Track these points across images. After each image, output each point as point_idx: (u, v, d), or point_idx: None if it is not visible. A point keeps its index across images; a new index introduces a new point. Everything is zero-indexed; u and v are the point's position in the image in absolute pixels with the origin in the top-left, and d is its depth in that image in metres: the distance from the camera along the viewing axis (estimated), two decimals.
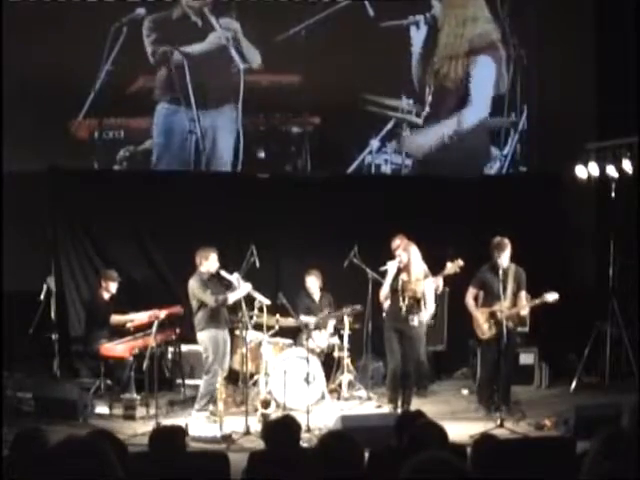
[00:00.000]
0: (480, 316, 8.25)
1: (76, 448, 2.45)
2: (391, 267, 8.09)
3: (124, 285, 9.53)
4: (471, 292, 8.37)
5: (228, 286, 8.25)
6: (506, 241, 8.14)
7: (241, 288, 8.13)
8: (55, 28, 9.24)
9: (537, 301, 8.15)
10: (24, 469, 3.37)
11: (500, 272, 8.04)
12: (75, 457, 2.39)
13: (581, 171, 9.55)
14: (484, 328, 8.24)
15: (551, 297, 8.04)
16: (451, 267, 8.25)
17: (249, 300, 8.25)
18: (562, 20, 9.92)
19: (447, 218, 9.72)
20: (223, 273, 8.16)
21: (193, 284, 8.12)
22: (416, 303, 8.10)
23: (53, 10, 9.17)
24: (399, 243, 8.24)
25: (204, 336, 8.14)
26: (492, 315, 8.16)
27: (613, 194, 9.50)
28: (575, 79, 9.98)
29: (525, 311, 8.29)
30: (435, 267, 8.82)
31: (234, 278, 8.17)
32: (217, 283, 8.24)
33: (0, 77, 8.93)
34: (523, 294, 8.24)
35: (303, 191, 9.77)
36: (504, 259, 8.09)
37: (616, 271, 9.54)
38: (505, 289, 8.11)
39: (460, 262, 8.22)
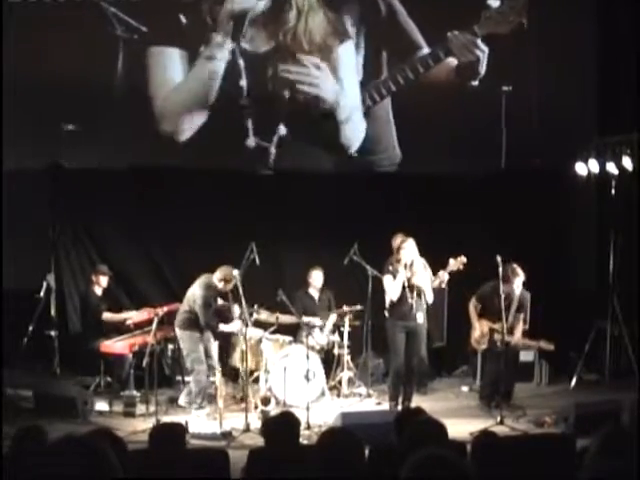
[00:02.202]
0: (478, 328, 8.35)
1: (74, 446, 2.45)
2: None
3: (124, 283, 9.56)
4: (473, 304, 8.50)
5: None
6: (519, 270, 8.19)
7: (233, 324, 8.32)
8: (70, 28, 9.19)
9: (532, 343, 8.47)
10: (24, 466, 3.37)
11: (505, 296, 8.04)
12: (73, 455, 2.39)
13: (581, 168, 9.55)
14: (479, 340, 8.42)
15: (546, 346, 8.36)
16: (454, 264, 8.25)
17: (248, 297, 8.24)
18: (563, 17, 9.90)
19: (446, 216, 9.73)
20: (231, 301, 8.27)
21: (198, 297, 8.16)
22: (422, 300, 8.14)
23: (67, 10, 9.13)
24: (400, 242, 8.23)
25: (182, 334, 8.24)
26: (490, 331, 8.23)
27: (613, 191, 9.50)
28: (575, 76, 9.96)
29: (518, 342, 8.41)
30: (436, 264, 8.85)
31: (236, 310, 8.28)
32: (215, 301, 8.33)
33: (0, 77, 8.91)
34: (521, 317, 8.30)
35: (304, 188, 9.76)
36: (515, 286, 8.19)
37: (616, 269, 9.54)
38: (508, 312, 8.14)
39: (463, 259, 8.21)
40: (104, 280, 9.09)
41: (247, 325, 8.07)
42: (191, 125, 9.41)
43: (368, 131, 9.75)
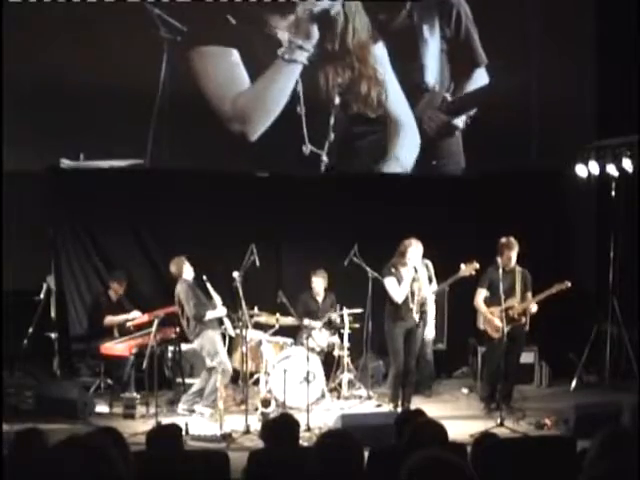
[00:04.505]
0: (493, 315, 8.22)
1: (78, 447, 2.44)
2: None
3: (126, 284, 9.58)
4: (480, 293, 8.34)
5: (209, 297, 8.39)
6: (513, 241, 8.16)
7: (218, 309, 8.33)
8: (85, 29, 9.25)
9: (551, 290, 8.13)
10: (24, 469, 3.37)
11: (507, 271, 8.06)
12: (77, 457, 2.38)
13: (581, 170, 9.56)
14: (498, 326, 8.14)
15: (561, 287, 8.05)
16: (465, 269, 8.23)
17: (248, 299, 8.23)
18: (563, 19, 9.92)
19: (446, 217, 9.72)
20: (210, 288, 8.31)
21: (180, 291, 8.25)
22: (420, 303, 8.14)
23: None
24: (404, 246, 8.19)
25: (202, 340, 8.21)
26: (506, 312, 8.13)
27: (613, 193, 9.52)
28: (575, 78, 9.97)
29: (535, 307, 8.26)
30: (437, 265, 8.87)
31: (217, 298, 8.35)
32: (200, 291, 8.35)
33: (0, 77, 8.92)
34: (529, 295, 8.26)
35: (304, 190, 9.77)
36: (512, 258, 8.12)
37: (616, 270, 9.54)
38: (514, 288, 8.12)
39: (476, 265, 8.17)
40: (118, 287, 9.24)
41: (247, 327, 8.06)
42: (263, 125, 9.56)
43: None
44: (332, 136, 9.66)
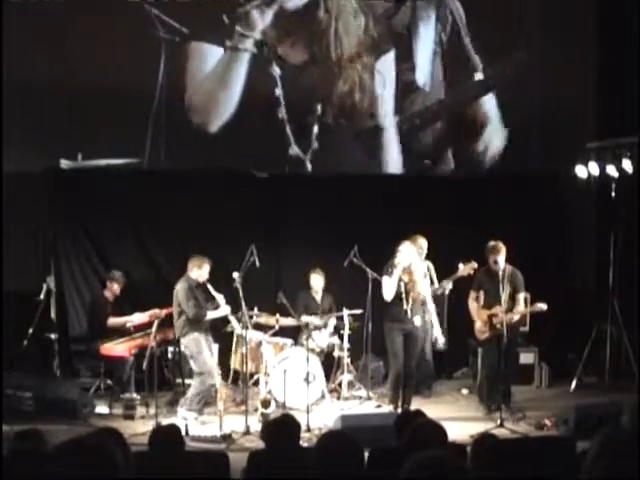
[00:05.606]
0: (478, 319, 8.30)
1: (78, 448, 2.45)
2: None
3: (124, 285, 9.57)
4: (472, 295, 8.42)
5: (211, 298, 8.31)
6: (500, 245, 8.15)
7: (221, 309, 8.25)
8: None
9: (529, 309, 8.29)
10: (24, 469, 3.37)
11: (495, 275, 8.06)
12: (77, 457, 2.38)
13: (581, 171, 9.56)
14: (481, 329, 8.32)
15: (540, 308, 8.11)
16: (464, 269, 8.21)
17: (248, 299, 8.23)
18: (563, 19, 9.92)
19: (446, 218, 9.72)
20: (211, 289, 8.22)
21: (179, 289, 8.17)
22: (419, 304, 8.12)
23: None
24: (397, 245, 8.21)
25: (187, 340, 8.17)
26: (489, 318, 8.20)
27: (613, 194, 9.51)
28: (575, 79, 9.97)
29: (517, 317, 8.29)
30: (438, 267, 8.87)
31: (220, 297, 8.25)
32: (202, 293, 8.28)
33: (0, 77, 8.93)
34: (521, 296, 8.25)
35: (304, 190, 9.77)
36: (499, 262, 8.11)
37: (616, 271, 9.54)
38: (501, 293, 8.12)
39: (474, 264, 8.16)
40: (117, 287, 9.16)
41: (247, 328, 8.06)
42: (219, 117, 9.56)
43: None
44: (316, 144, 9.69)
